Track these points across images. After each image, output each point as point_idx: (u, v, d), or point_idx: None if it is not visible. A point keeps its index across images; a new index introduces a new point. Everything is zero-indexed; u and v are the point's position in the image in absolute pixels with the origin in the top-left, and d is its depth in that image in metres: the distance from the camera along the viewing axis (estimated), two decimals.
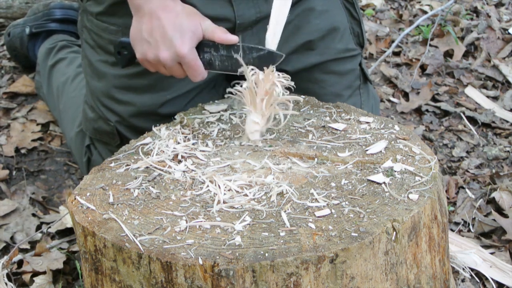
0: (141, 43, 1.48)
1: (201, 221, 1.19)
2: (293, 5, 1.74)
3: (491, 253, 1.80)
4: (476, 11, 3.17)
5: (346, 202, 1.22)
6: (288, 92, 1.45)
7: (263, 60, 1.45)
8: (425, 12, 3.13)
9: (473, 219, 1.95)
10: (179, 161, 1.39)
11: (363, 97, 1.90)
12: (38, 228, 1.96)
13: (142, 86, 1.74)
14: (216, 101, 1.65)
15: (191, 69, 1.48)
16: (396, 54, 2.87)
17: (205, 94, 1.78)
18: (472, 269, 1.73)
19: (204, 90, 1.78)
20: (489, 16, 3.05)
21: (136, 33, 1.49)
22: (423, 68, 2.75)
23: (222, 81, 1.83)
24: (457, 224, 1.94)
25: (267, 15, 1.55)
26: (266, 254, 1.10)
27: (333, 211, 1.20)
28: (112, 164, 1.41)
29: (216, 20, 1.59)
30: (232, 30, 1.67)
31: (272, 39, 1.48)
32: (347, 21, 1.85)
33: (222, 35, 1.47)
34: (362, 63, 1.90)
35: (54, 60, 2.32)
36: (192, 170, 1.35)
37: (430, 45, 2.85)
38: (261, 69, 1.41)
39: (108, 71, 1.77)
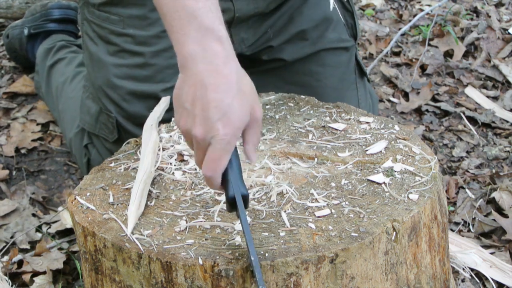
0: (180, 108, 1.16)
1: (201, 221, 1.19)
2: None
3: (491, 253, 1.80)
4: (476, 11, 3.16)
5: (346, 202, 1.22)
6: None
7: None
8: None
9: (473, 219, 1.94)
10: (180, 161, 1.39)
11: (360, 92, 1.94)
12: (38, 228, 1.96)
13: (142, 76, 1.76)
14: None
15: (214, 157, 1.12)
16: (396, 54, 2.86)
17: None
18: (472, 269, 1.72)
19: None
20: (489, 16, 3.05)
21: (178, 93, 1.17)
22: (423, 68, 2.75)
23: None
24: (457, 224, 1.94)
25: (263, 10, 1.73)
26: (266, 254, 1.10)
27: (333, 211, 1.20)
28: (112, 164, 1.41)
29: None
30: (230, 22, 1.74)
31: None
32: (340, 12, 1.90)
33: (251, 146, 1.18)
34: (358, 55, 1.95)
35: (53, 60, 2.32)
36: (192, 170, 1.35)
37: (431, 45, 2.84)
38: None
39: (108, 60, 1.79)
